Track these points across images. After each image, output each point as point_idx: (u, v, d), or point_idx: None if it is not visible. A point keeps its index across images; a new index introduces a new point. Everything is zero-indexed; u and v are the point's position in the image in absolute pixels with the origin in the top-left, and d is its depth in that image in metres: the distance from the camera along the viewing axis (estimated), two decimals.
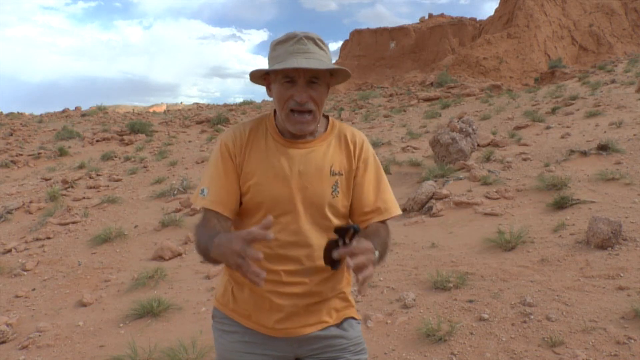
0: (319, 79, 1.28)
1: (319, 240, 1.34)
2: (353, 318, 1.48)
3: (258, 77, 1.35)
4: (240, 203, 1.37)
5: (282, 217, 1.33)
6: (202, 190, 1.35)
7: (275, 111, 1.39)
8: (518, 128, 12.44)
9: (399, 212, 1.41)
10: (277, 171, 1.33)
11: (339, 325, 1.43)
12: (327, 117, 1.44)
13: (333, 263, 1.12)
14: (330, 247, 1.12)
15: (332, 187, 1.35)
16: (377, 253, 1.14)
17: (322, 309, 1.40)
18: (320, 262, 1.30)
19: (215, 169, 1.36)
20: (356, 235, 1.07)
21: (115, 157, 15.28)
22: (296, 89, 1.26)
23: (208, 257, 1.20)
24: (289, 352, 1.41)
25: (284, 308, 1.35)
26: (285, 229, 1.32)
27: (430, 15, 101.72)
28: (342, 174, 1.37)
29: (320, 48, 1.29)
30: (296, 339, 1.39)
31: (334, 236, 1.11)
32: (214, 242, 1.13)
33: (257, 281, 0.99)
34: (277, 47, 1.29)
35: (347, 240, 1.07)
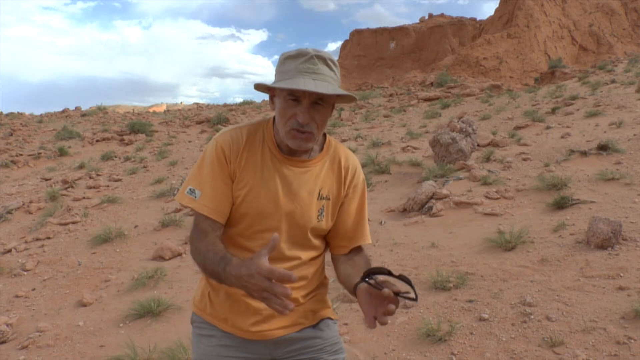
0: (324, 101, 1.25)
1: (297, 257, 1.36)
2: (329, 318, 1.48)
3: (263, 87, 1.32)
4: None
5: (264, 233, 1.32)
6: (193, 191, 1.29)
7: (274, 120, 1.36)
8: (518, 128, 12.44)
9: (370, 240, 1.45)
10: (269, 187, 1.31)
11: (315, 326, 1.43)
12: (324, 135, 1.42)
13: (367, 282, 1.13)
14: (379, 271, 1.12)
15: (318, 211, 1.36)
16: None
17: (298, 312, 1.40)
18: (297, 273, 1.31)
19: (210, 172, 1.30)
20: (414, 300, 1.06)
21: (115, 157, 15.28)
22: (300, 109, 1.23)
23: (218, 279, 1.16)
24: (265, 355, 1.40)
25: (260, 311, 1.35)
26: (266, 244, 1.32)
27: (430, 15, 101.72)
28: (329, 199, 1.38)
29: (330, 69, 1.26)
30: (272, 341, 1.39)
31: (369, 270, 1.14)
32: (227, 271, 1.10)
33: (283, 311, 1.00)
34: (287, 62, 1.26)
35: (400, 293, 1.07)
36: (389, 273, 1.11)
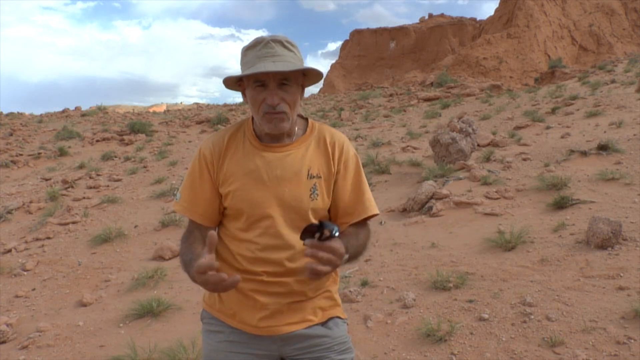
0: (290, 80, 1.29)
1: (300, 243, 1.35)
2: (339, 317, 1.49)
3: (233, 84, 1.36)
4: (225, 208, 1.40)
5: (262, 222, 1.35)
6: (176, 195, 1.42)
7: (253, 116, 1.41)
8: (518, 128, 12.44)
9: (377, 211, 1.44)
10: (255, 176, 1.35)
11: (324, 324, 1.44)
12: (306, 120, 1.46)
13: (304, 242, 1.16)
14: (311, 229, 1.14)
15: (310, 190, 1.36)
16: (346, 257, 1.20)
17: (306, 308, 1.41)
18: (302, 262, 1.34)
19: (190, 177, 1.41)
20: (332, 237, 1.11)
21: (115, 157, 15.28)
22: (268, 93, 1.28)
23: (192, 280, 1.25)
24: (273, 351, 1.42)
25: (268, 306, 1.37)
26: (265, 233, 1.35)
27: (430, 15, 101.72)
28: (320, 177, 1.38)
29: (289, 50, 1.30)
30: (280, 337, 1.40)
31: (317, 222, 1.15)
32: (191, 274, 1.22)
33: (234, 284, 1.12)
34: (247, 53, 1.31)
35: (322, 236, 1.10)
36: (310, 229, 1.13)
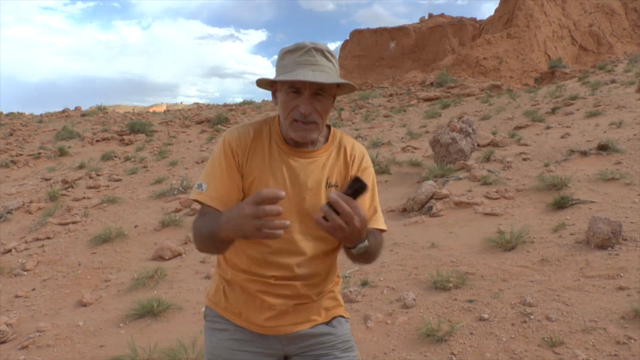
0: (325, 91, 1.29)
1: (311, 250, 1.36)
2: (342, 316, 1.51)
3: (265, 83, 1.36)
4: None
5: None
6: (200, 185, 1.34)
7: (279, 116, 1.40)
8: (518, 128, 12.44)
9: (385, 227, 1.44)
10: (277, 179, 1.34)
11: (327, 323, 1.46)
12: (328, 127, 1.45)
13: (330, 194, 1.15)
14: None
15: (327, 199, 1.36)
16: (365, 242, 1.20)
17: (311, 308, 1.43)
18: (310, 269, 1.36)
19: (217, 165, 1.35)
20: (362, 192, 1.10)
21: (115, 157, 15.27)
22: (301, 100, 1.27)
23: (215, 240, 1.19)
24: (278, 350, 1.43)
25: (275, 307, 1.37)
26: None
27: (430, 15, 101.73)
28: (337, 186, 1.39)
29: (328, 60, 1.29)
30: (285, 337, 1.41)
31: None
32: (221, 221, 1.14)
33: (283, 226, 1.05)
34: (285, 56, 1.30)
35: (348, 192, 1.10)
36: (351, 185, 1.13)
